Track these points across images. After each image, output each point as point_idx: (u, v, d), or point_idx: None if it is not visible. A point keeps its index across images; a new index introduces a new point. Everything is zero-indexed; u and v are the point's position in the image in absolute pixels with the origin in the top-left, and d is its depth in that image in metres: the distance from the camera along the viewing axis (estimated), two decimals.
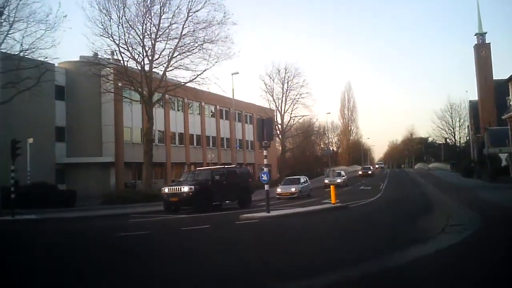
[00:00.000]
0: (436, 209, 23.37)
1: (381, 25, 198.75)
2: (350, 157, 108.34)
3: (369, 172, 76.32)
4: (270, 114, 59.21)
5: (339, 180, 48.06)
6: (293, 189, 37.07)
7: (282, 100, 59.77)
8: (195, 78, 38.60)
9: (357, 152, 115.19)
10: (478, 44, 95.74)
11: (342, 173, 51.74)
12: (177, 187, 26.40)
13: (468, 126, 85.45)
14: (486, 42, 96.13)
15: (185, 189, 25.53)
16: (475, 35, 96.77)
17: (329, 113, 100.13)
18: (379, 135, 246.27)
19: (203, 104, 56.18)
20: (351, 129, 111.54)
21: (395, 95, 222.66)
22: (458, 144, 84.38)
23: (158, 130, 49.81)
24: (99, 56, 37.90)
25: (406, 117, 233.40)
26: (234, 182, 28.20)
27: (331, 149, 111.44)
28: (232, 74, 43.10)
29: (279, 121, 60.03)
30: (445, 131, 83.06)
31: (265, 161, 22.34)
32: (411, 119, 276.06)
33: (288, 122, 60.22)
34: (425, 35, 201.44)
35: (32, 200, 28.66)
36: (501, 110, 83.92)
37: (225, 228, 18.12)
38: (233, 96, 44.93)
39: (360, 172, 75.73)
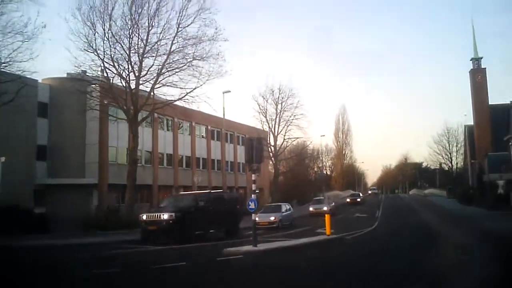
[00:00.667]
0: (440, 240, 20.88)
1: (377, 49, 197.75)
2: (344, 181, 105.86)
3: (358, 199, 67.28)
4: (263, 135, 56.93)
5: (325, 208, 43.29)
6: (272, 218, 32.76)
7: (275, 121, 57.56)
8: (185, 96, 36.32)
9: (351, 176, 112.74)
10: (474, 69, 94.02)
11: (328, 199, 48.05)
12: (156, 214, 23.76)
13: (465, 151, 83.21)
14: (482, 67, 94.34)
15: (165, 216, 22.92)
16: (470, 60, 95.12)
17: (324, 135, 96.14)
18: (373, 160, 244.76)
19: (193, 124, 53.78)
20: (345, 152, 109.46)
21: (390, 120, 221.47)
22: (455, 170, 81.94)
23: (146, 151, 47.28)
24: (86, 73, 35.57)
25: (400, 142, 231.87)
26: (220, 209, 25.62)
27: (325, 173, 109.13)
28: (223, 93, 40.70)
29: (272, 143, 57.72)
30: (442, 156, 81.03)
31: (253, 187, 19.88)
32: (406, 144, 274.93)
33: (282, 144, 57.82)
34: (421, 60, 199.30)
35: None
36: (496, 135, 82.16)
37: (203, 266, 15.52)
38: (224, 115, 42.46)
39: (348, 200, 67.79)
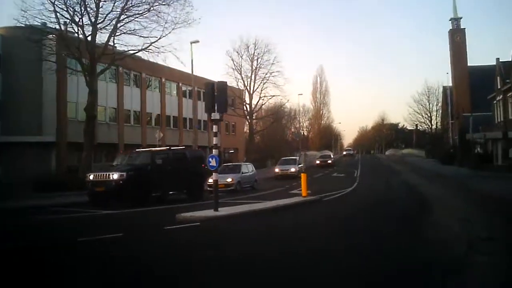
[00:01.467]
0: (435, 207, 17.70)
1: (355, 8, 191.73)
2: (321, 142, 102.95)
3: (329, 161, 56.17)
4: (238, 94, 53.15)
5: (293, 169, 38.29)
6: (229, 179, 27.85)
7: (251, 79, 53.59)
8: (149, 46, 32.23)
9: (328, 137, 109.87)
10: (453, 29, 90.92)
11: (300, 159, 40.24)
12: (104, 173, 20.09)
13: (442, 111, 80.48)
14: (461, 27, 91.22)
15: (114, 176, 19.31)
16: (450, 20, 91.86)
17: (301, 94, 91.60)
18: (351, 121, 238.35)
19: (163, 80, 49.67)
20: (322, 113, 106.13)
21: (369, 81, 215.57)
22: (434, 130, 79.32)
23: (111, 107, 43.32)
24: (39, 20, 31.20)
25: (379, 103, 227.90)
26: (182, 168, 22.03)
27: (302, 133, 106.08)
28: (191, 43, 36.38)
29: (248, 101, 53.87)
30: (422, 115, 78.09)
31: (214, 140, 16.37)
32: (383, 105, 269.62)
33: (257, 103, 54.07)
34: (401, 19, 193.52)
35: None
36: (475, 96, 79.84)
37: (143, 238, 11.95)
38: (192, 68, 38.27)
39: (317, 162, 55.69)
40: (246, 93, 54.37)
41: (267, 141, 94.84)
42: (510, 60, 44.29)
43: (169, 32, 32.52)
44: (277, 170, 39.87)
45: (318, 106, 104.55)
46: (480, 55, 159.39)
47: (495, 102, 49.78)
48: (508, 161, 42.52)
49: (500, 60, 47.90)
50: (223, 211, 15.56)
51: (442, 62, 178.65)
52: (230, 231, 12.92)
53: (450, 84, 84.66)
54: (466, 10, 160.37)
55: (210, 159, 15.80)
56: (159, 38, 32.05)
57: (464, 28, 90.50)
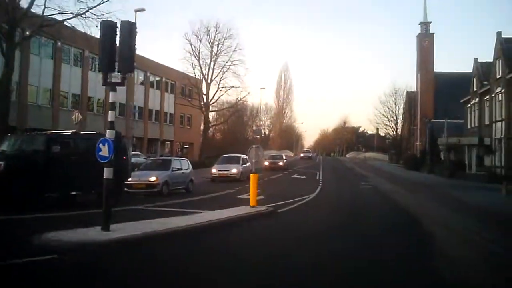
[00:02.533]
0: (427, 222, 12.34)
1: (323, 8, 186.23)
2: (282, 142, 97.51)
3: (280, 163, 44.24)
4: (194, 82, 46.98)
5: (234, 170, 29.61)
6: (152, 178, 20.30)
7: (209, 66, 47.37)
8: (85, 12, 25.81)
9: (289, 137, 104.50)
10: (422, 34, 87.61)
11: (250, 155, 31.91)
12: None
13: (405, 117, 76.31)
14: (430, 32, 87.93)
15: None
16: (419, 24, 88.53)
17: (264, 88, 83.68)
18: (313, 121, 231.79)
19: None
20: (285, 112, 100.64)
21: (335, 82, 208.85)
22: (400, 134, 74.88)
23: (44, 88, 36.78)
24: None
25: (342, 105, 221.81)
26: (92, 160, 15.81)
27: (263, 132, 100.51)
28: (135, 11, 29.91)
29: (204, 91, 47.60)
30: (387, 118, 73.70)
31: (109, 117, 10.34)
32: (347, 108, 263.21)
33: (215, 93, 47.98)
34: (368, 22, 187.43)
35: None
36: (439, 102, 76.20)
37: None
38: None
39: (266, 163, 43.74)
40: (204, 82, 47.98)
41: (227, 139, 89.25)
42: (490, 60, 39.68)
43: None
44: (214, 170, 29.94)
45: (281, 104, 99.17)
46: (447, 62, 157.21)
47: (468, 106, 45.29)
48: (483, 169, 38.04)
49: (479, 60, 43.35)
50: (119, 230, 9.66)
51: (411, 66, 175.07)
52: (105, 279, 6.99)
53: (416, 89, 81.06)
54: (437, 15, 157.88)
55: (99, 146, 9.84)
56: (99, 4, 25.80)
57: (433, 33, 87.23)
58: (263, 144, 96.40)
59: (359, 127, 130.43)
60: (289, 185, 28.23)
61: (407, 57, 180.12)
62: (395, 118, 73.94)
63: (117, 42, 9.90)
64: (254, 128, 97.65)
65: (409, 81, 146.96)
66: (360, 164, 63.63)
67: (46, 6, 26.46)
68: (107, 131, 10.12)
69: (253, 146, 15.71)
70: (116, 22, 10.26)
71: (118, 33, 9.90)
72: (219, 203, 16.74)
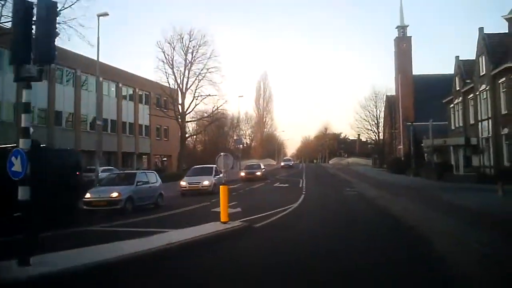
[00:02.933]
0: (421, 230, 10.24)
1: (301, 15, 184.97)
2: (263, 151, 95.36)
3: (258, 173, 40.18)
4: (169, 92, 44.57)
5: (206, 183, 26.23)
6: (114, 194, 17.93)
7: (184, 75, 45.11)
8: None
9: (271, 146, 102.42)
10: (399, 37, 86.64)
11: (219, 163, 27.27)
12: None
13: (385, 120, 74.71)
14: (408, 35, 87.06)
15: None
16: (396, 27, 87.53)
17: (242, 96, 78.19)
18: (294, 129, 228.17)
19: (78, 73, 40.63)
20: (265, 120, 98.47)
21: (315, 89, 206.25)
22: (381, 138, 73.09)
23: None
24: None
25: (324, 112, 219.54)
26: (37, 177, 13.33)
27: (245, 141, 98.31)
28: (98, 16, 27.41)
29: (180, 101, 45.18)
30: (369, 122, 71.84)
31: (23, 122, 8.01)
32: (328, 114, 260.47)
33: (191, 103, 45.57)
34: (348, 27, 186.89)
35: None
36: (419, 106, 74.95)
37: None
38: (98, 49, 28.68)
39: (242, 174, 40.26)
40: (179, 91, 45.57)
41: (209, 149, 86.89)
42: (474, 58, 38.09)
43: (73, 3, 24.13)
44: (183, 183, 26.73)
45: (261, 113, 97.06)
46: (425, 64, 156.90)
47: (452, 106, 43.71)
48: (471, 170, 36.30)
49: (461, 59, 41.77)
50: (47, 263, 7.41)
51: (390, 70, 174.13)
52: None
53: (396, 92, 79.77)
54: (414, 18, 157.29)
55: (12, 159, 7.51)
56: (61, 10, 23.50)
57: (410, 36, 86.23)
58: (245, 153, 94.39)
59: (341, 133, 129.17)
60: (270, 194, 26.05)
61: (386, 61, 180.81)
62: (376, 122, 72.15)
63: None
64: (235, 138, 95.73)
65: (389, 84, 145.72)
66: (344, 169, 61.72)
67: (2, 14, 24.26)
68: (20, 140, 7.80)
69: (221, 153, 13.41)
70: (32, 2, 8.00)
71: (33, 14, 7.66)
72: (189, 219, 14.60)
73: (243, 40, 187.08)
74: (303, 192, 26.18)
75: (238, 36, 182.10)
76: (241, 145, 63.99)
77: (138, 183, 19.36)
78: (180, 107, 45.43)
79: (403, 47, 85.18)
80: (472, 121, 38.18)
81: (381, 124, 73.20)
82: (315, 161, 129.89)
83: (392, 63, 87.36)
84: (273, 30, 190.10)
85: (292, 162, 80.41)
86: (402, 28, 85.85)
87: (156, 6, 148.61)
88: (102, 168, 34.36)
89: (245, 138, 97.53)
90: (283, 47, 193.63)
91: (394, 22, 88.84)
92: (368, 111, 72.32)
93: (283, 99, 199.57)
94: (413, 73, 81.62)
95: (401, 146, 71.43)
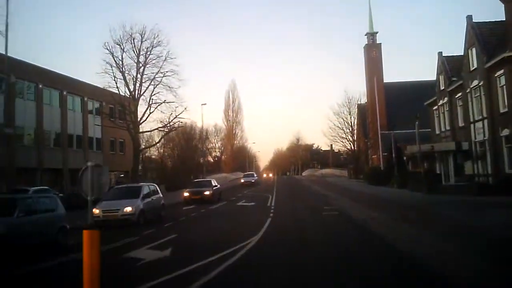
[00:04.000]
0: None
1: (269, 23, 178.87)
2: (234, 164, 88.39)
3: (206, 193, 29.66)
4: (119, 99, 37.52)
5: (128, 209, 17.89)
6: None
7: (136, 79, 38.14)
8: None
9: (242, 158, 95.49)
10: (369, 44, 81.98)
11: (152, 187, 21.78)
12: None
13: (358, 130, 68.74)
14: (377, 42, 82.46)
15: None
16: (365, 35, 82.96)
17: (205, 104, 62.52)
18: (266, 141, 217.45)
19: (13, 79, 33.41)
20: (235, 132, 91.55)
21: (285, 99, 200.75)
22: (357, 147, 66.67)
23: None
24: None
25: (294, 123, 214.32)
26: None
27: (214, 155, 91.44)
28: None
29: (132, 109, 38.16)
30: (343, 130, 65.60)
31: None
32: (300, 125, 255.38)
33: (146, 111, 38.56)
34: (317, 36, 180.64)
35: None
36: (391, 114, 69.76)
37: None
38: (6, 44, 21.64)
39: (186, 194, 30.61)
40: (132, 98, 38.55)
41: (177, 166, 79.73)
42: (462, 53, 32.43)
43: None
44: (96, 211, 17.59)
45: (231, 125, 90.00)
46: (396, 72, 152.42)
47: (435, 108, 37.93)
48: (462, 179, 30.48)
49: (444, 55, 36.09)
50: None
51: (361, 78, 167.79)
52: None
53: (367, 101, 74.35)
54: (383, 24, 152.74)
55: None
56: None
57: (380, 43, 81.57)
58: (215, 167, 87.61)
59: (313, 144, 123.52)
60: (228, 219, 19.46)
61: (358, 69, 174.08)
62: (351, 130, 65.87)
63: None
64: (204, 150, 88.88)
65: (362, 92, 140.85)
66: (318, 182, 55.20)
67: None
68: None
69: (88, 163, 6.60)
70: None
71: None
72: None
73: (209, 49, 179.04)
74: (271, 214, 19.68)
75: (204, 46, 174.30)
76: (202, 158, 56.84)
77: (17, 213, 12.39)
78: (133, 116, 38.48)
79: (373, 54, 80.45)
80: (461, 123, 32.41)
81: (355, 132, 66.98)
82: (288, 173, 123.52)
83: (363, 71, 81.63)
84: (240, 38, 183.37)
85: (256, 178, 58.98)
86: (371, 35, 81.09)
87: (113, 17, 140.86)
88: (34, 188, 27.23)
89: (215, 151, 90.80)
90: (250, 57, 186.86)
91: (365, 29, 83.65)
92: (342, 118, 66.15)
93: (253, 110, 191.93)
94: (384, 81, 76.87)
95: (375, 156, 65.68)
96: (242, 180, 56.57)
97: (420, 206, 21.28)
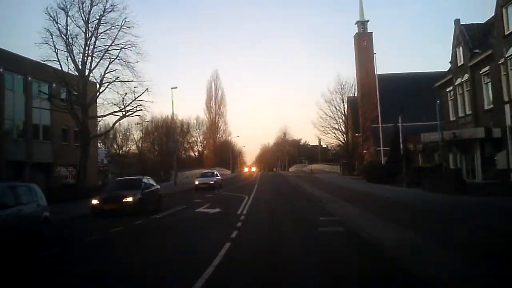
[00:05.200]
0: None
1: (255, 14, 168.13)
2: (217, 159, 79.69)
3: (129, 199, 17.16)
4: (62, 75, 28.80)
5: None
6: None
7: (85, 51, 29.54)
8: None
9: (226, 153, 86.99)
10: (359, 33, 74.09)
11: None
12: None
13: (347, 122, 60.05)
14: (368, 31, 74.56)
15: None
16: (355, 23, 75.06)
17: (176, 87, 50.37)
18: (252, 136, 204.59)
19: None
20: (218, 125, 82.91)
21: (272, 92, 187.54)
22: (351, 139, 57.78)
23: None
24: None
25: (281, 118, 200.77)
26: None
27: (196, 149, 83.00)
28: None
29: (80, 88, 29.46)
30: (335, 119, 57.23)
31: None
32: (286, 120, 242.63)
33: (98, 90, 29.82)
34: (303, 33, 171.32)
35: None
36: (384, 107, 61.81)
37: None
38: None
39: (95, 202, 17.81)
40: (78, 76, 29.87)
41: (157, 161, 71.43)
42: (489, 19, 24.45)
43: None
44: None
45: (213, 117, 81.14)
46: (387, 63, 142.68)
47: (449, 89, 29.98)
48: (493, 176, 22.57)
49: (462, 23, 28.04)
50: None
51: (352, 70, 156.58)
52: None
53: (358, 93, 66.26)
54: (374, 12, 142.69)
55: None
56: None
57: (372, 32, 73.56)
58: (197, 162, 79.02)
59: (300, 139, 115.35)
60: (170, 238, 11.47)
61: (347, 62, 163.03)
62: (344, 120, 57.45)
63: None
64: (186, 146, 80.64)
65: (352, 83, 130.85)
66: (307, 179, 46.30)
67: None
68: None
69: None
70: None
71: None
72: None
73: (191, 38, 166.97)
74: (235, 232, 11.49)
75: (186, 34, 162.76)
76: (176, 151, 48.32)
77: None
78: (80, 98, 29.84)
79: (363, 44, 72.60)
80: (488, 105, 24.47)
81: (350, 122, 58.32)
82: (274, 169, 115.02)
83: (353, 62, 73.09)
84: (222, 29, 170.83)
85: (216, 179, 38.60)
86: (362, 24, 73.21)
87: None
88: None
89: (197, 145, 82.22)
90: (235, 45, 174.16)
91: (354, 18, 75.71)
92: (334, 106, 57.55)
93: (238, 105, 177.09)
94: (377, 73, 69.12)
95: (367, 151, 57.69)
96: (197, 182, 36.90)
97: (475, 218, 13.06)
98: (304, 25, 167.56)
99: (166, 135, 73.44)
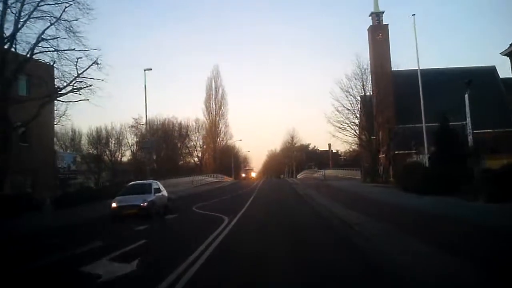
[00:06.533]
0: None
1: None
2: (218, 164, 68.68)
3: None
4: None
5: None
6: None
7: (5, 6, 19.62)
8: None
9: (228, 159, 76.57)
10: (374, 26, 63.89)
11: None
12: None
13: (361, 124, 49.18)
14: (384, 23, 64.35)
15: None
16: (369, 15, 64.72)
17: (150, 69, 37.17)
18: (259, 144, 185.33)
19: None
20: (219, 127, 72.18)
21: (276, 100, 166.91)
22: (376, 137, 45.55)
23: None
24: None
25: (287, 123, 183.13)
26: None
27: (196, 154, 72.81)
28: None
29: None
30: (354, 112, 45.75)
31: None
32: (293, 126, 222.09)
33: (28, 59, 19.72)
34: (315, 25, 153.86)
35: None
36: (400, 105, 51.39)
37: None
38: None
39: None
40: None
41: (164, 166, 61.69)
42: None
43: None
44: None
45: (213, 118, 70.18)
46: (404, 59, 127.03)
47: None
48: None
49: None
50: None
51: (366, 68, 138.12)
52: None
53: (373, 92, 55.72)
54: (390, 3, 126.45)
55: None
56: None
57: (387, 24, 63.08)
58: (198, 168, 69.03)
59: (309, 144, 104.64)
60: None
61: (360, 59, 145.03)
62: (364, 113, 46.22)
63: None
64: (186, 151, 70.98)
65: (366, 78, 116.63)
66: (321, 188, 32.59)
67: None
68: None
69: None
70: None
71: None
72: None
73: (192, 33, 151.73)
74: None
75: (186, 34, 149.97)
76: (148, 153, 36.82)
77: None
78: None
79: (378, 37, 62.44)
80: None
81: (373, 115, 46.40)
82: (281, 176, 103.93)
83: (367, 59, 60.76)
84: (231, 21, 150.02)
85: (151, 199, 18.58)
86: (376, 15, 63.00)
87: None
88: None
89: (196, 150, 71.85)
90: (238, 39, 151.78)
91: (368, 11, 65.32)
92: (353, 95, 46.63)
93: (240, 108, 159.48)
94: (393, 69, 58.94)
95: (382, 155, 46.81)
96: (114, 204, 18.02)
97: None
98: (315, 24, 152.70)
99: (165, 140, 63.93)
